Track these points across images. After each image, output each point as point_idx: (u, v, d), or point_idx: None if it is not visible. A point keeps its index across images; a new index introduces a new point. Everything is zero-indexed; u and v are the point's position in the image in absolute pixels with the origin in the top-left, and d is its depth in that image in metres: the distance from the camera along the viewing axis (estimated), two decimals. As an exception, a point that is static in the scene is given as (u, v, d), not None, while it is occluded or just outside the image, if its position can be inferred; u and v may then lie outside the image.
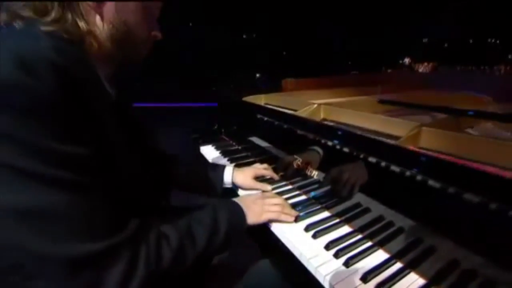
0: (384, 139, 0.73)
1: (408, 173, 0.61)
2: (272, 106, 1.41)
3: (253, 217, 0.70)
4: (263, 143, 1.20)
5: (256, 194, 0.81)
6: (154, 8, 0.60)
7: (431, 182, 0.57)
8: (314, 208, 0.79)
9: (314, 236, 0.69)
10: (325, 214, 0.78)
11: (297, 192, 0.89)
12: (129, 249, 0.46)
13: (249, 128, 1.27)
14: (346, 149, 0.76)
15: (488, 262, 0.50)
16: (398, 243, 0.64)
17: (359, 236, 0.69)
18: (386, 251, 0.64)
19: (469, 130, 0.91)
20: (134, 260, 0.46)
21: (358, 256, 0.62)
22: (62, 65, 0.42)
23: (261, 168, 0.95)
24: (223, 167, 0.92)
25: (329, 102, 1.20)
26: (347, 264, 0.61)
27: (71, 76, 0.43)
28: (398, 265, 0.60)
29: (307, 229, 0.71)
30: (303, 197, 0.87)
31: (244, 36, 5.09)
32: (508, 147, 0.65)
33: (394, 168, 0.64)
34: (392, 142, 0.71)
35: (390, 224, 0.68)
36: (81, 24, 0.49)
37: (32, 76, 0.38)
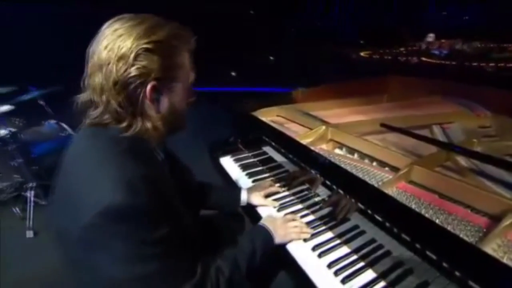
0: (373, 177, 0.91)
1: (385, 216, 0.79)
2: (284, 118, 1.57)
3: (279, 238, 0.92)
4: (276, 155, 1.37)
5: (281, 218, 1.00)
6: (190, 83, 0.74)
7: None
8: (320, 230, 0.99)
9: (319, 256, 0.89)
10: (329, 235, 0.98)
11: (305, 212, 1.09)
12: (201, 285, 0.67)
13: (261, 139, 1.44)
14: (340, 191, 0.94)
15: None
16: (384, 264, 0.83)
17: (354, 257, 0.89)
18: (375, 271, 0.84)
19: (459, 159, 1.06)
20: None
21: (353, 275, 0.83)
22: (145, 173, 0.61)
23: (267, 187, 1.17)
24: (240, 190, 1.15)
25: (336, 121, 1.34)
26: (343, 281, 0.81)
27: (151, 179, 0.62)
28: (382, 284, 0.81)
29: (314, 249, 0.92)
30: (311, 217, 1.06)
31: (252, 12, 4.97)
32: (478, 193, 0.81)
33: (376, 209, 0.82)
34: (376, 185, 0.90)
35: (379, 247, 0.87)
36: (146, 124, 0.66)
37: (136, 195, 0.57)
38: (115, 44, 0.60)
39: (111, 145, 0.63)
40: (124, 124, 0.64)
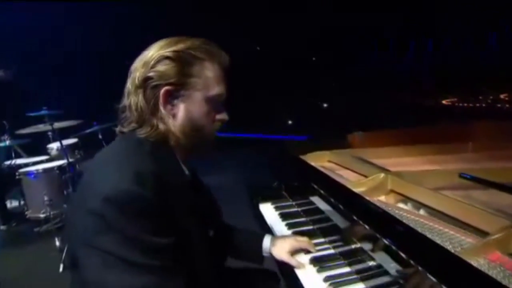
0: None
1: None
2: (335, 164, 1.46)
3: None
4: (324, 205, 1.24)
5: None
6: (218, 99, 0.76)
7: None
8: None
9: None
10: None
11: (355, 277, 0.91)
12: None
13: (309, 187, 1.33)
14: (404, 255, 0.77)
15: None
16: None
17: None
18: None
19: None
20: None
21: None
22: (158, 173, 0.63)
23: (300, 241, 1.01)
24: (262, 236, 1.02)
25: (399, 170, 1.19)
26: None
27: (163, 180, 0.63)
28: None
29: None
30: (361, 285, 0.88)
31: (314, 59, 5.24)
32: None
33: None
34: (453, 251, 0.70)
35: None
36: (161, 126, 0.70)
37: (142, 187, 0.58)
38: (144, 54, 0.71)
39: (130, 146, 0.69)
40: (145, 128, 0.69)
